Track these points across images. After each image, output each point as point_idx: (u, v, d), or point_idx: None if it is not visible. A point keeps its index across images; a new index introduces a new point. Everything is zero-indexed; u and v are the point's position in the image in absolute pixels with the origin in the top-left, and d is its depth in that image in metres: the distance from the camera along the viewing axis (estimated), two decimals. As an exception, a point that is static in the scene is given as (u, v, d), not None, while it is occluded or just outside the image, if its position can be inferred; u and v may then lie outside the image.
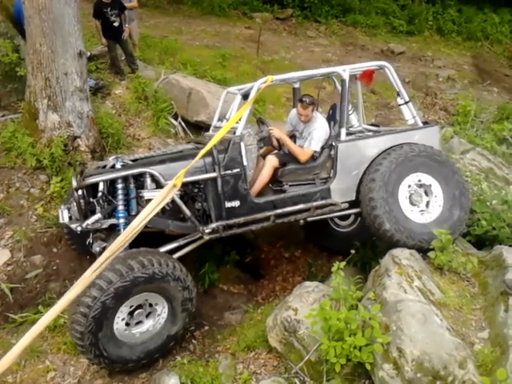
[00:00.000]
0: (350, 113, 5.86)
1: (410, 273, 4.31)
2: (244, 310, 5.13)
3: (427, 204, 4.98)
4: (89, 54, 7.44)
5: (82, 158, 6.07)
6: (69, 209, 4.57)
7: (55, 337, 4.58)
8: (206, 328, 4.93)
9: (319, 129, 5.03)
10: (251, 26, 14.48)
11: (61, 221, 4.58)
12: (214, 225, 4.63)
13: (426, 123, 5.46)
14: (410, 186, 4.91)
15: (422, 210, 4.95)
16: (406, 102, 5.30)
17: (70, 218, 4.53)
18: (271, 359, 4.49)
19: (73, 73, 6.10)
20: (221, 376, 4.28)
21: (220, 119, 5.67)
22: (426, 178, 4.96)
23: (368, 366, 3.72)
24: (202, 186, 4.68)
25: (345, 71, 5.07)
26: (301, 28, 15.42)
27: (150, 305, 4.31)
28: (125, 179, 4.52)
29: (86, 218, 4.39)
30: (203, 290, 5.29)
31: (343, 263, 4.31)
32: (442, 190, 4.97)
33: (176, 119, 7.59)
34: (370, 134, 5.59)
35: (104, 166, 4.84)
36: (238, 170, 4.63)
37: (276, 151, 5.38)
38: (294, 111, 5.45)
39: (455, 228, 4.87)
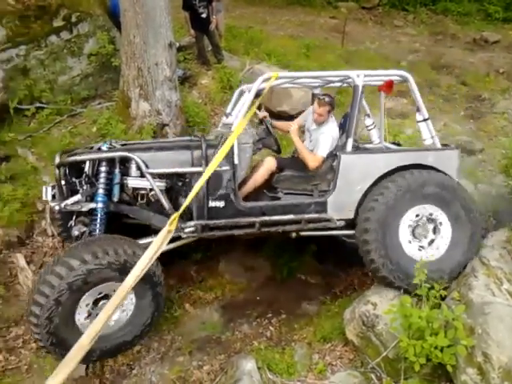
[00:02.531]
0: (371, 128, 5.50)
1: (499, 275, 4.11)
2: (321, 301, 5.13)
3: (430, 242, 4.52)
4: (178, 44, 7.71)
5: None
6: (53, 187, 4.35)
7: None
8: (283, 316, 4.98)
9: (326, 133, 4.65)
10: (336, 15, 14.27)
11: (44, 198, 4.41)
12: (192, 223, 4.28)
13: (445, 145, 4.89)
14: (418, 216, 4.46)
15: (421, 246, 4.50)
16: (425, 119, 4.79)
17: (54, 196, 4.31)
18: (347, 352, 4.47)
19: (163, 63, 6.35)
20: (296, 364, 4.33)
21: (226, 115, 5.34)
22: (439, 215, 4.48)
23: (449, 368, 3.61)
24: (187, 179, 4.36)
25: (358, 76, 4.62)
26: (387, 17, 14.96)
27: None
28: (110, 163, 4.31)
29: (66, 197, 4.24)
30: (281, 279, 5.34)
31: (427, 260, 4.19)
32: (452, 229, 4.49)
33: (259, 109, 7.66)
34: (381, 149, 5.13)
35: (91, 148, 4.64)
36: (226, 167, 4.26)
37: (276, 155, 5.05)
38: (310, 109, 5.06)
39: (450, 274, 4.39)
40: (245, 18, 12.57)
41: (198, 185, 4.02)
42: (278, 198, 4.63)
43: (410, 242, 4.45)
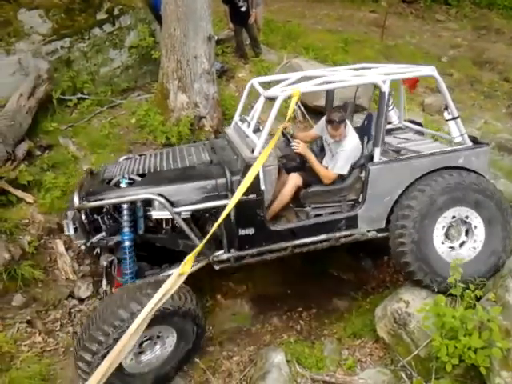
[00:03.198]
0: (390, 108, 5.24)
1: (538, 277, 4.00)
2: (352, 298, 5.12)
3: (461, 244, 4.44)
4: (216, 37, 7.76)
5: (206, 137, 6.40)
6: (74, 221, 4.13)
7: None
8: (314, 311, 5.00)
9: (348, 150, 4.42)
10: (376, 9, 14.07)
11: (66, 233, 4.21)
12: (224, 256, 4.21)
13: (475, 142, 4.68)
14: (454, 218, 4.35)
15: (451, 247, 4.41)
16: (455, 118, 4.58)
17: (76, 229, 4.11)
18: (377, 349, 4.45)
19: (202, 56, 6.41)
20: (326, 359, 4.34)
21: (241, 119, 4.95)
22: (474, 218, 4.38)
23: (483, 370, 3.55)
24: (213, 210, 4.16)
25: (385, 82, 4.30)
26: (429, 11, 14.66)
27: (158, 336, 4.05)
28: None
29: (90, 234, 4.14)
30: (313, 274, 5.34)
31: (462, 260, 4.12)
32: (485, 233, 4.39)
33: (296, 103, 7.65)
34: (400, 151, 4.77)
35: (109, 181, 4.31)
36: (254, 195, 4.07)
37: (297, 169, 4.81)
38: (324, 119, 4.69)
39: (483, 275, 4.32)
40: (283, 11, 12.53)
41: (221, 218, 3.85)
42: (307, 213, 4.50)
43: (442, 243, 4.37)
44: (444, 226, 4.35)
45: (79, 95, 6.84)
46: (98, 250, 4.36)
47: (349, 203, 4.54)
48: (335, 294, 5.06)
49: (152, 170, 4.38)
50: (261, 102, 4.51)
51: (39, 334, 4.42)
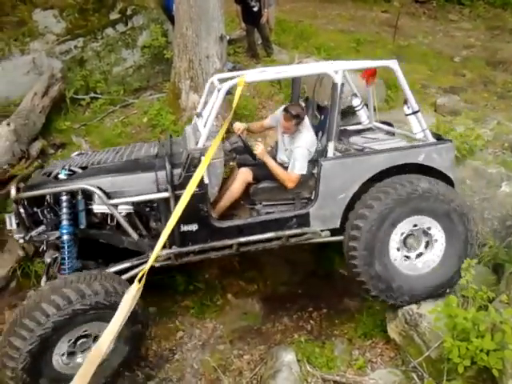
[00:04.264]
0: (359, 108, 5.11)
1: (552, 279, 3.96)
2: (363, 298, 5.09)
3: (418, 255, 4.25)
4: (228, 37, 7.78)
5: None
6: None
7: (185, 300, 4.97)
8: (324, 311, 4.99)
9: (303, 147, 4.20)
10: (388, 9, 14.02)
11: (8, 227, 4.02)
12: (164, 252, 3.97)
13: (439, 138, 4.46)
14: (415, 226, 4.16)
15: (407, 257, 4.23)
16: (415, 112, 4.36)
17: (18, 224, 3.94)
18: (388, 350, 4.43)
19: (214, 56, 6.44)
20: (336, 359, 4.33)
21: (198, 115, 4.64)
22: (437, 231, 4.19)
23: (495, 373, 3.51)
24: (154, 204, 4.03)
25: (337, 73, 4.08)
26: (442, 11, 14.57)
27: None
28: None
29: (29, 228, 3.97)
30: (323, 274, 5.34)
31: (474, 261, 4.08)
32: (446, 245, 4.21)
33: (306, 101, 7.66)
34: (364, 149, 4.52)
35: (49, 174, 4.16)
36: (196, 189, 3.82)
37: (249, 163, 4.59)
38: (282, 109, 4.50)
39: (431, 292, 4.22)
40: (295, 11, 12.53)
41: (173, 219, 3.64)
42: (257, 211, 4.33)
43: (398, 249, 4.19)
44: (403, 233, 4.17)
45: (92, 94, 6.92)
46: (43, 247, 4.21)
47: (302, 201, 4.34)
48: (346, 295, 5.04)
49: (95, 163, 4.22)
50: (214, 95, 4.29)
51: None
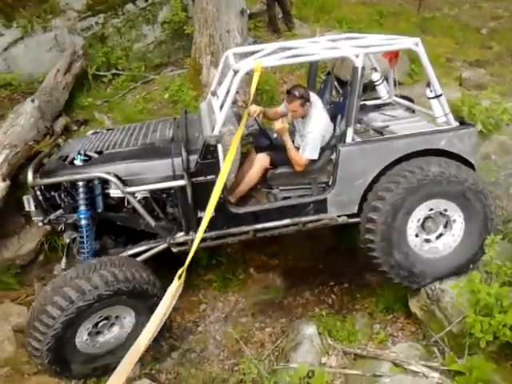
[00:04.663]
0: (379, 83, 4.97)
1: None
2: (385, 273, 5.10)
3: (438, 237, 4.23)
4: (249, 12, 7.70)
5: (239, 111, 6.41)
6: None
7: (208, 274, 5.05)
8: (346, 285, 5.01)
9: (315, 131, 4.12)
10: (412, -20, 13.58)
11: (26, 209, 4.07)
12: (181, 239, 4.07)
13: (462, 122, 4.32)
14: (431, 210, 4.12)
15: (427, 240, 4.21)
16: (438, 96, 4.20)
17: (36, 207, 4.00)
18: (409, 324, 4.46)
19: (234, 30, 6.39)
20: (357, 332, 4.37)
21: (213, 93, 4.58)
22: (454, 211, 4.14)
23: (518, 347, 3.52)
24: (171, 191, 4.00)
25: (358, 56, 3.94)
26: (469, -19, 14.06)
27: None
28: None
29: (47, 211, 4.02)
30: (345, 249, 5.35)
31: (498, 237, 4.04)
32: (465, 228, 4.17)
33: (328, 75, 7.56)
34: (383, 132, 4.36)
35: (65, 158, 4.15)
36: (212, 176, 3.84)
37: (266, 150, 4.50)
38: None
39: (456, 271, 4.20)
40: (316, -16, 12.25)
41: (209, 210, 3.68)
42: (274, 195, 4.31)
43: (416, 235, 4.17)
44: (419, 219, 4.14)
45: (113, 71, 6.96)
46: (62, 226, 4.27)
47: (320, 186, 4.30)
48: (367, 269, 5.03)
49: (111, 147, 4.19)
50: (230, 75, 4.09)
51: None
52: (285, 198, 4.29)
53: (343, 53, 4.10)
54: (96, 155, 4.12)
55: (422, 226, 4.18)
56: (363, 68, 4.00)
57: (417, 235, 4.17)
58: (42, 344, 3.48)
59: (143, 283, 3.73)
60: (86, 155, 4.10)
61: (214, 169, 3.86)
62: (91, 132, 4.83)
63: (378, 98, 5.11)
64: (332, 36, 5.06)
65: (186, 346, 4.41)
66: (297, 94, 4.11)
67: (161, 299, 3.70)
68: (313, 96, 4.31)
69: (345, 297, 4.89)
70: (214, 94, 4.53)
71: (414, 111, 4.90)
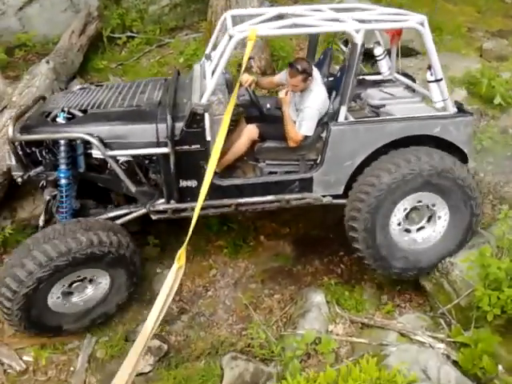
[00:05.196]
0: (381, 58, 4.72)
1: None
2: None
3: (419, 229, 4.23)
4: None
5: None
6: None
7: (218, 240, 5.08)
8: (355, 255, 5.01)
9: (313, 107, 3.99)
10: None
11: (7, 163, 4.02)
12: (161, 207, 4.01)
13: (460, 109, 4.20)
14: (419, 202, 4.09)
15: (407, 230, 4.20)
16: (438, 80, 4.08)
17: (17, 161, 3.89)
18: (417, 296, 4.49)
19: (251, -7, 6.25)
20: (365, 302, 4.42)
21: (207, 57, 4.43)
22: (440, 206, 4.11)
23: (525, 322, 3.55)
24: (154, 157, 3.91)
25: (358, 32, 3.77)
26: None
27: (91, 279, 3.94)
28: None
29: (27, 167, 3.91)
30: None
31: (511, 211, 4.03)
32: (448, 223, 4.16)
33: (346, 46, 7.42)
34: (379, 113, 4.30)
35: (48, 114, 4.02)
36: (197, 146, 3.77)
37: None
38: None
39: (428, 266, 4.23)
40: None
41: (204, 189, 3.56)
42: (260, 169, 4.23)
43: (399, 224, 4.14)
44: (406, 209, 4.10)
45: (128, 34, 6.87)
46: (43, 182, 4.15)
47: (308, 163, 4.21)
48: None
49: (95, 107, 4.05)
50: (225, 39, 3.89)
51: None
52: (271, 173, 4.23)
53: (343, 27, 3.90)
54: (80, 114, 3.99)
55: (407, 215, 4.15)
56: (363, 45, 3.81)
57: (399, 224, 4.15)
58: (13, 303, 3.52)
59: (119, 248, 3.76)
60: (69, 113, 3.97)
61: (200, 138, 3.77)
62: (78, 87, 4.68)
63: (379, 74, 4.91)
64: (337, 5, 4.85)
65: (195, 309, 4.48)
66: (300, 68, 3.94)
67: (136, 266, 3.88)
68: (314, 70, 4.16)
69: (354, 267, 4.91)
70: (208, 57, 4.36)
71: (414, 90, 4.74)
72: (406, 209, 4.09)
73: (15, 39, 6.10)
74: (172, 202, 4.01)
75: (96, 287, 3.94)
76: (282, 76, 4.58)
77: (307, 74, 3.99)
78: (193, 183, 3.95)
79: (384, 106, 4.35)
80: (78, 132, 3.79)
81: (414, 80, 4.91)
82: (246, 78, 4.23)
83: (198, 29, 7.24)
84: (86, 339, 4.06)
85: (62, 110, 3.94)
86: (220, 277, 4.79)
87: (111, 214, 4.12)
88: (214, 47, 4.30)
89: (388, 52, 4.83)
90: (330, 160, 4.04)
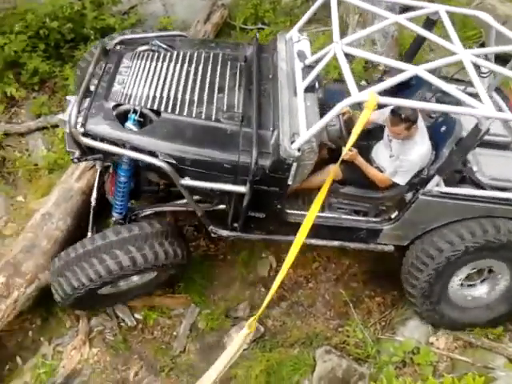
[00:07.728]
0: (487, 75, 4.11)
1: None
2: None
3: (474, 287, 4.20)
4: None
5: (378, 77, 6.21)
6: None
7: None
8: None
9: (414, 161, 3.63)
10: None
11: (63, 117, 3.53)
12: (224, 233, 3.89)
13: None
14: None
15: (464, 285, 4.16)
16: None
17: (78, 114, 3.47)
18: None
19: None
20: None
21: (299, 41, 4.15)
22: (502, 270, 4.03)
23: None
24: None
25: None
26: None
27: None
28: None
29: (85, 153, 3.66)
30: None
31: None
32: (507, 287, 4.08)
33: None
34: (483, 188, 3.90)
35: (116, 106, 3.61)
36: (276, 188, 3.54)
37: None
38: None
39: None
40: None
41: (291, 255, 3.34)
42: (330, 204, 4.00)
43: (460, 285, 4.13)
44: (470, 271, 4.08)
45: (260, 25, 7.03)
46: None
47: (379, 209, 4.06)
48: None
49: (170, 103, 3.62)
50: (329, 56, 3.51)
51: (203, 239, 4.87)
52: (339, 209, 4.04)
53: (475, 112, 3.18)
54: (152, 115, 3.60)
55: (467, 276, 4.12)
56: (487, 131, 3.32)
57: (460, 284, 4.13)
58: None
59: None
60: (140, 115, 3.57)
61: (281, 183, 3.52)
62: (144, 48, 4.13)
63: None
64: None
65: (294, 298, 4.57)
66: (404, 116, 3.49)
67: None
68: (419, 117, 3.67)
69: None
70: (302, 59, 3.89)
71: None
72: (469, 271, 4.08)
73: (158, 23, 6.55)
74: (235, 225, 3.89)
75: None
76: (379, 115, 3.94)
77: (411, 123, 3.56)
78: (261, 215, 3.82)
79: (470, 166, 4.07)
80: (150, 144, 3.45)
81: (508, 99, 4.45)
82: (345, 109, 3.78)
83: (327, 22, 7.20)
84: (189, 308, 4.31)
85: (134, 111, 3.56)
86: (322, 270, 4.83)
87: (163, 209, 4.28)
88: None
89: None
90: (406, 221, 3.91)
